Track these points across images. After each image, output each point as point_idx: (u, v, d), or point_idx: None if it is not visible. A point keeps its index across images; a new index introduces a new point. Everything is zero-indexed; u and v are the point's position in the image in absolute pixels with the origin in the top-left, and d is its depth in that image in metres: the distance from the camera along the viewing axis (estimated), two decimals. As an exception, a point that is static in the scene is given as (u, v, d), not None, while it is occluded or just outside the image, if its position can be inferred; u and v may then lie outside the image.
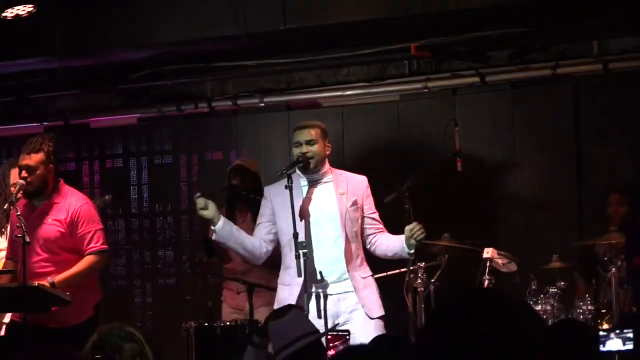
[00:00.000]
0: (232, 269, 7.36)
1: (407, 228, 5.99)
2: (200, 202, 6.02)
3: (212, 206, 6.02)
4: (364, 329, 5.84)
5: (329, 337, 4.16)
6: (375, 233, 6.17)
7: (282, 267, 6.13)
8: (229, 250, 7.31)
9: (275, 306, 6.03)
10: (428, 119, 8.57)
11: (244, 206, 7.33)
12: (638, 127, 8.02)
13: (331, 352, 4.12)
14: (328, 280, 5.98)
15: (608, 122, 8.19)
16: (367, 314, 5.96)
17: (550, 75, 8.17)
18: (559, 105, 8.37)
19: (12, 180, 6.90)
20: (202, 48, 8.47)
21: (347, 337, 4.10)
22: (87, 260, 6.58)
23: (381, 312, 6.05)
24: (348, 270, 6.00)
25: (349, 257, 6.00)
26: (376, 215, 6.21)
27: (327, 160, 6.18)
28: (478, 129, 8.35)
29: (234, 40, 8.15)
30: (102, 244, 6.63)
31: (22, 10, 7.74)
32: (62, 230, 6.57)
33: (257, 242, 6.15)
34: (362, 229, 6.14)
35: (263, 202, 6.25)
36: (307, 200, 6.04)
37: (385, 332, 5.95)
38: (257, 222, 6.25)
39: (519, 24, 7.87)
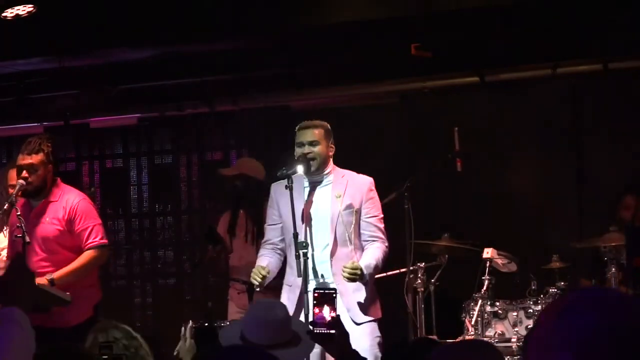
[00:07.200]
0: (234, 266, 7.38)
1: (348, 264, 5.76)
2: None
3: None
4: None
5: (316, 294, 4.10)
6: (367, 241, 5.93)
7: (287, 266, 6.04)
8: (231, 240, 7.31)
9: None
10: (428, 119, 8.57)
11: (249, 208, 7.37)
12: (638, 127, 8.02)
13: (316, 311, 4.04)
14: (327, 281, 5.89)
15: (608, 121, 8.19)
16: (352, 319, 5.75)
17: (550, 75, 8.17)
18: (558, 105, 8.37)
19: (9, 182, 6.90)
20: (202, 48, 8.47)
21: (334, 295, 4.04)
22: (86, 256, 6.54)
23: (370, 317, 5.86)
24: (334, 274, 5.84)
25: (337, 261, 5.85)
26: (374, 220, 5.94)
27: (330, 160, 6.03)
28: (478, 128, 8.34)
29: (233, 40, 8.16)
30: (102, 238, 6.60)
31: (22, 10, 7.75)
32: (61, 228, 6.56)
33: (276, 259, 6.07)
34: (360, 233, 5.95)
35: (269, 202, 6.16)
36: (307, 202, 5.96)
37: (377, 335, 5.86)
38: (267, 223, 6.19)
39: (519, 23, 7.87)
